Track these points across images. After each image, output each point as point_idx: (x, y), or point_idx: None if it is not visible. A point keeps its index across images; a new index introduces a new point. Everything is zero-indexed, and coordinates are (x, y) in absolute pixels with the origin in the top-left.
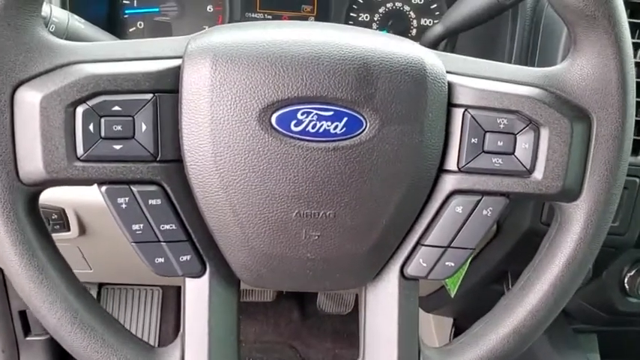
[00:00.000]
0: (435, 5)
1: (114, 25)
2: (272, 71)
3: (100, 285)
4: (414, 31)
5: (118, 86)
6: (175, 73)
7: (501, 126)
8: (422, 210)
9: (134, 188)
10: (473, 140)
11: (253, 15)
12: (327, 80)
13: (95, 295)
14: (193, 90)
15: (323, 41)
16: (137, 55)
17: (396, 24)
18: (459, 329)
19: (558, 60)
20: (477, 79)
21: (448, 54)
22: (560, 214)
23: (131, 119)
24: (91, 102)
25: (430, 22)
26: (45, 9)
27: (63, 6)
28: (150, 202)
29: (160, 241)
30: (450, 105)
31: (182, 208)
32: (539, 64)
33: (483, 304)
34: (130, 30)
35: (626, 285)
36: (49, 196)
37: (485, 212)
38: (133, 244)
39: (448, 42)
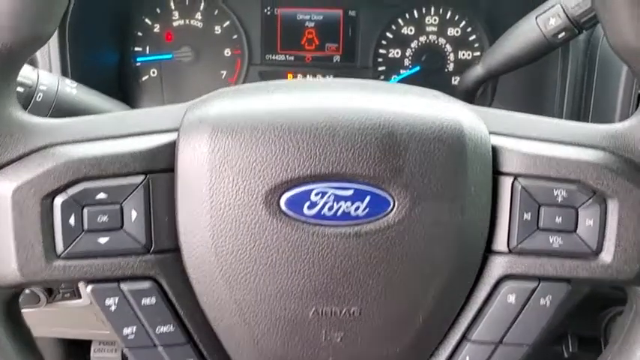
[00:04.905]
0: (474, 37)
1: (125, 74)
2: (279, 145)
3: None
4: (451, 66)
5: (102, 170)
6: (170, 150)
7: (559, 198)
8: (467, 299)
9: (124, 286)
10: (525, 216)
11: (274, 57)
12: (345, 153)
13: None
14: (190, 169)
15: (338, 106)
16: (125, 131)
17: (431, 59)
18: None
19: (618, 103)
20: (527, 141)
21: (490, 110)
22: (635, 299)
23: (119, 207)
24: (71, 190)
25: (469, 55)
26: (32, 75)
27: (63, 58)
28: (143, 301)
29: (156, 346)
30: (496, 173)
31: (181, 306)
32: (595, 109)
33: None
34: (143, 79)
35: None
36: None
37: (543, 301)
38: (126, 349)
39: (489, 84)
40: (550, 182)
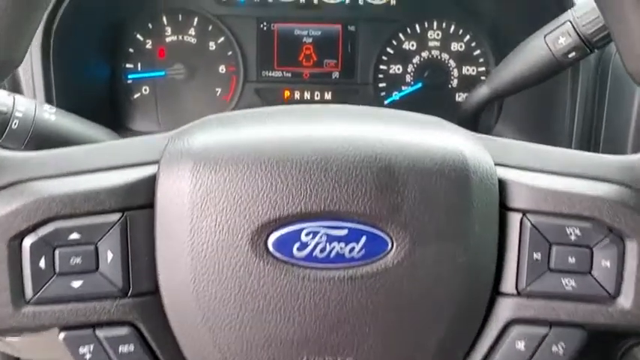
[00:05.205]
0: (479, 51)
1: (116, 92)
2: (267, 180)
3: None
4: (454, 82)
5: (75, 208)
6: (149, 184)
7: (572, 237)
8: (472, 346)
9: (100, 333)
10: (535, 255)
11: (271, 74)
12: (338, 189)
13: None
14: (170, 205)
15: (331, 137)
16: (101, 165)
17: (434, 75)
18: None
19: (632, 125)
20: (536, 174)
21: (495, 139)
22: None
23: (93, 248)
24: (42, 231)
25: (474, 71)
26: (7, 101)
27: (47, 78)
28: (121, 349)
29: None
30: (504, 209)
31: (161, 354)
32: (607, 130)
33: None
34: (135, 96)
35: None
36: None
37: (555, 348)
38: None
39: (494, 104)
40: (562, 219)
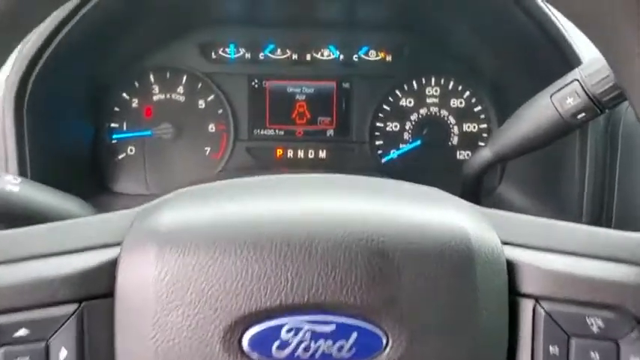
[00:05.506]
0: (479, 108)
1: (100, 152)
2: (241, 267)
3: None
4: (455, 139)
5: (24, 300)
6: (110, 270)
7: (594, 328)
8: None
9: None
10: (552, 349)
11: (263, 132)
12: (324, 277)
13: None
14: (132, 295)
15: (316, 213)
16: (56, 248)
17: (433, 132)
18: None
19: None
20: (549, 255)
21: (501, 213)
22: None
23: (44, 345)
24: None
25: (475, 128)
26: None
27: (20, 143)
28: None
29: None
30: (514, 294)
31: None
32: (621, 196)
33: None
34: (120, 157)
35: None
36: None
37: None
38: None
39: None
40: (581, 307)
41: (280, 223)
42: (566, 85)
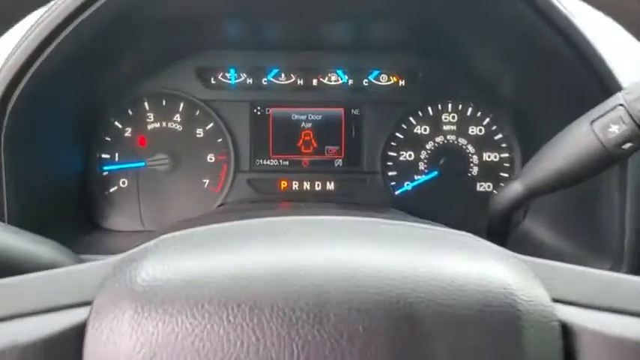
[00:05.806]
0: (500, 135)
1: (89, 185)
2: (235, 337)
3: None
4: (474, 170)
5: None
6: (76, 337)
7: None
8: None
9: None
10: None
11: (266, 162)
12: (339, 349)
13: None
14: None
15: (328, 268)
16: (13, 310)
17: (451, 162)
18: None
19: None
20: (613, 316)
21: (550, 263)
22: None
23: None
24: None
25: (496, 157)
26: None
27: (6, 170)
28: None
29: None
30: None
31: None
32: None
33: None
34: (111, 190)
35: None
36: None
37: None
38: None
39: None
40: None
41: (283, 280)
42: (609, 110)
